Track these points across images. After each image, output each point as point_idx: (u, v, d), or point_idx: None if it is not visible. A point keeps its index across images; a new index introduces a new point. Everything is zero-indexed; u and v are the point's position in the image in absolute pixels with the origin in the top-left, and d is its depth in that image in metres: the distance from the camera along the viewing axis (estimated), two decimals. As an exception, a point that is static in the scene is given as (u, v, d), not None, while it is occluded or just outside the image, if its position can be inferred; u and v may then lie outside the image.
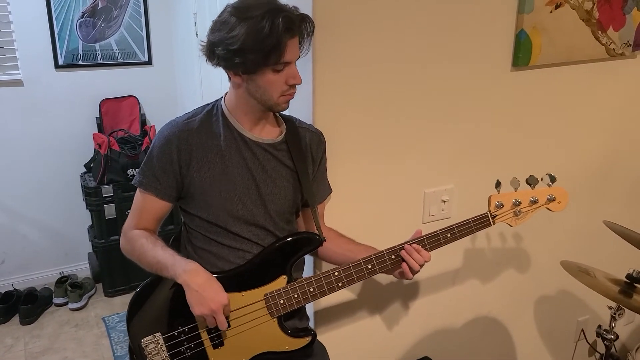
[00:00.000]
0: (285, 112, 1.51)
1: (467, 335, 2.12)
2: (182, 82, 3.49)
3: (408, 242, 1.42)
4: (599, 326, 1.79)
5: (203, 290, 1.27)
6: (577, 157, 2.08)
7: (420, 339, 2.01)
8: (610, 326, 1.76)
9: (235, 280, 1.37)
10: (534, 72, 1.90)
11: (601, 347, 2.28)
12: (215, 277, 1.32)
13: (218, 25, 1.29)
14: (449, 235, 1.43)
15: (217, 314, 1.27)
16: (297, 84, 1.33)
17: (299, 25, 1.28)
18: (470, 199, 1.84)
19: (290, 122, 1.48)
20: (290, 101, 1.37)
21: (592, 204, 2.17)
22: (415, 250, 1.40)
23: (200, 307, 1.27)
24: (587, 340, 2.29)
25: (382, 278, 1.82)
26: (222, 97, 1.43)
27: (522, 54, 1.83)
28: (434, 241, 1.43)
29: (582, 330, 2.31)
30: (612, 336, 1.76)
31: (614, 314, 1.73)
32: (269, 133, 1.43)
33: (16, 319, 3.14)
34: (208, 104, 1.44)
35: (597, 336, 1.79)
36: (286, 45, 1.25)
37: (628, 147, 2.23)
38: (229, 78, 1.36)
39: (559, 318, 2.31)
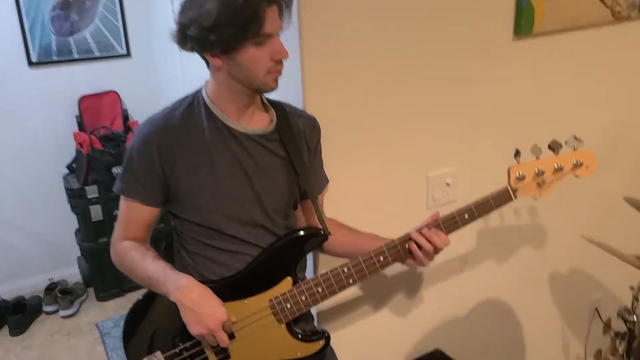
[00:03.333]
0: (274, 97, 1.39)
1: (478, 322, 2.03)
2: (164, 73, 3.34)
3: (422, 226, 1.32)
4: (622, 306, 1.70)
5: (198, 307, 1.15)
6: (586, 128, 1.96)
7: (429, 331, 1.92)
8: (632, 306, 1.67)
9: (236, 287, 1.26)
10: (537, 41, 1.79)
11: (615, 326, 2.22)
12: (214, 286, 1.21)
13: (187, 5, 1.17)
14: (466, 215, 1.33)
15: (216, 332, 1.16)
16: (284, 59, 1.20)
17: None
18: (475, 180, 1.74)
19: (280, 108, 1.36)
20: (278, 81, 1.24)
21: (605, 178, 2.07)
22: (434, 234, 1.29)
23: (196, 326, 1.15)
24: (601, 319, 2.21)
25: (386, 269, 1.73)
26: (202, 87, 1.31)
27: (524, 21, 1.72)
28: (450, 224, 1.32)
29: (596, 309, 2.23)
30: (634, 317, 1.67)
31: (636, 294, 1.65)
32: (258, 122, 1.31)
33: (5, 330, 3.02)
34: (187, 96, 1.31)
35: (618, 317, 1.71)
36: (265, 13, 1.13)
37: (638, 116, 2.13)
38: (207, 63, 1.24)
39: (571, 298, 2.23)
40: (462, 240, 1.88)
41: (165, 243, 1.39)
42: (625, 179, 2.14)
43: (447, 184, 1.78)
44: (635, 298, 1.66)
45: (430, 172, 1.75)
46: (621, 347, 2.06)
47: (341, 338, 1.71)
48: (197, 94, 1.30)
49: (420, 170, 1.73)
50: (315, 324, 1.65)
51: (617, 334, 2.09)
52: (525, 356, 2.23)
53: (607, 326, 2.27)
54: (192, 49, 1.20)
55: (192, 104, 1.29)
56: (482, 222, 1.89)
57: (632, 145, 2.15)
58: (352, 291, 1.72)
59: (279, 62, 1.20)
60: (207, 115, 1.27)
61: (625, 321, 1.69)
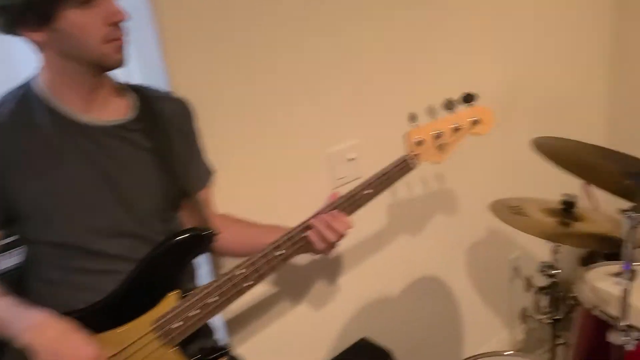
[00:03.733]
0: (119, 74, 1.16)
1: (402, 302, 1.92)
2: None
3: (320, 211, 1.16)
4: (541, 262, 1.65)
5: (57, 348, 0.92)
6: (483, 80, 1.89)
7: (353, 321, 1.78)
8: (553, 260, 1.62)
9: (110, 314, 1.03)
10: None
11: (537, 281, 2.20)
12: (81, 315, 0.99)
13: None
14: (366, 191, 1.19)
15: None
16: (121, 22, 0.99)
17: None
18: (381, 150, 1.59)
19: (140, 92, 1.14)
20: (124, 52, 1.01)
21: (508, 128, 2.01)
22: (334, 218, 1.14)
23: None
24: (522, 277, 2.19)
25: (297, 260, 1.57)
26: (34, 75, 1.06)
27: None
28: (351, 203, 1.18)
29: (516, 267, 2.19)
30: (556, 271, 1.62)
31: (555, 246, 1.59)
32: (113, 111, 1.08)
33: None
34: (16, 87, 1.06)
35: (541, 273, 1.65)
36: None
37: (535, 62, 2.09)
38: (36, 45, 0.99)
39: (491, 261, 2.18)
40: (372, 218, 1.75)
41: (12, 275, 1.12)
42: (529, 125, 2.09)
43: (350, 159, 1.64)
44: (554, 251, 1.60)
45: (330, 148, 1.60)
46: (544, 302, 2.04)
47: (257, 345, 1.53)
48: (28, 85, 1.05)
49: (319, 148, 1.59)
50: (225, 335, 1.46)
51: (539, 289, 2.07)
52: (453, 327, 2.16)
53: (528, 283, 2.25)
54: (2, 30, 0.95)
55: (25, 97, 1.04)
56: (390, 196, 1.77)
57: (531, 90, 2.10)
58: (261, 290, 1.54)
59: (117, 27, 0.99)
60: (45, 109, 1.03)
61: (548, 276, 1.63)
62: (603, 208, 2.28)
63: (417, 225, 1.89)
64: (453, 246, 2.04)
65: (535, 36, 2.05)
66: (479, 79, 1.87)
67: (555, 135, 1.52)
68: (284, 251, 1.12)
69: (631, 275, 1.26)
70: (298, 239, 1.14)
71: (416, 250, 1.90)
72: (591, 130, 2.34)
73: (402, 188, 1.79)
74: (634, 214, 1.20)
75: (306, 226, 1.14)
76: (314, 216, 1.16)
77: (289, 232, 1.14)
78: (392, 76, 1.68)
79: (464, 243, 2.07)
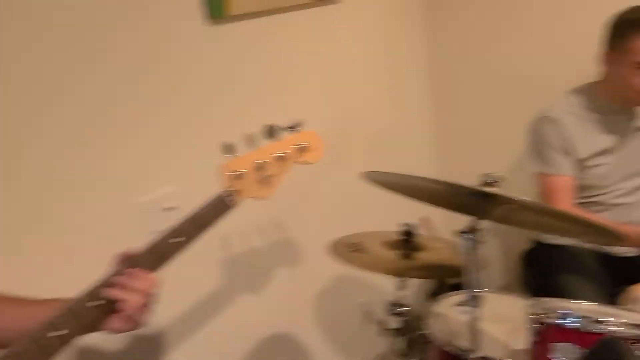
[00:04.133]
0: None
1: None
2: None
3: (111, 273, 0.92)
4: (390, 302, 1.53)
5: None
6: (311, 114, 1.78)
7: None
8: (400, 298, 1.51)
9: None
10: (236, 25, 1.56)
11: (390, 323, 2.09)
12: None
13: None
14: (176, 239, 0.97)
15: None
16: None
17: None
18: (204, 195, 1.42)
19: None
20: None
21: (343, 165, 1.92)
22: (131, 277, 0.91)
23: None
24: (373, 321, 2.06)
25: (98, 341, 1.28)
26: None
27: (212, 2, 1.47)
28: (155, 256, 0.95)
29: (366, 312, 2.07)
30: (406, 308, 1.51)
31: (400, 283, 1.49)
32: None
33: None
34: None
35: (391, 313, 1.53)
36: None
37: (362, 100, 2.05)
38: None
39: (340, 308, 2.03)
40: (200, 277, 1.53)
41: None
42: (362, 161, 2.02)
43: (168, 208, 1.41)
44: (400, 287, 1.49)
45: (141, 197, 1.37)
46: (399, 345, 1.93)
47: None
48: None
49: (126, 198, 1.34)
50: None
51: (392, 331, 1.96)
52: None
53: (381, 326, 2.14)
54: None
55: None
56: (221, 250, 1.57)
57: (361, 128, 2.06)
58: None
59: None
60: None
61: (398, 315, 1.52)
62: (443, 235, 2.30)
63: (254, 281, 1.70)
64: (297, 298, 1.87)
65: (360, 75, 2.04)
66: (307, 116, 1.77)
67: (388, 169, 1.45)
68: (64, 331, 0.84)
69: (475, 301, 1.18)
70: (83, 313, 0.87)
71: (256, 309, 1.70)
72: (421, 160, 2.37)
73: (235, 239, 1.59)
74: (469, 235, 1.13)
75: (92, 294, 0.88)
76: (105, 280, 0.91)
77: (70, 305, 0.87)
78: (209, 112, 1.52)
79: (308, 293, 1.91)
